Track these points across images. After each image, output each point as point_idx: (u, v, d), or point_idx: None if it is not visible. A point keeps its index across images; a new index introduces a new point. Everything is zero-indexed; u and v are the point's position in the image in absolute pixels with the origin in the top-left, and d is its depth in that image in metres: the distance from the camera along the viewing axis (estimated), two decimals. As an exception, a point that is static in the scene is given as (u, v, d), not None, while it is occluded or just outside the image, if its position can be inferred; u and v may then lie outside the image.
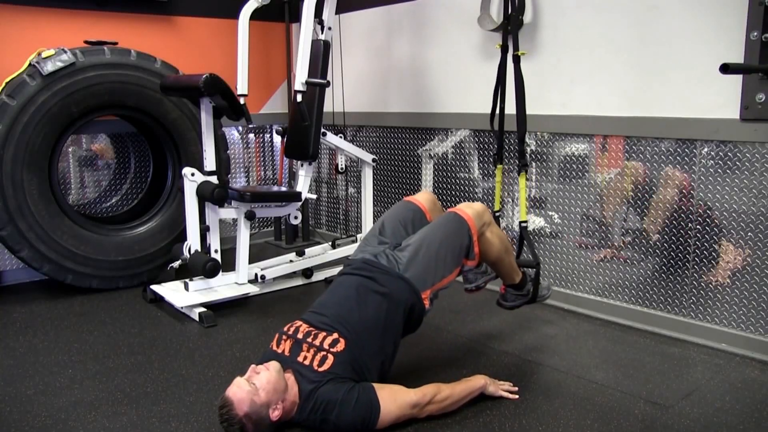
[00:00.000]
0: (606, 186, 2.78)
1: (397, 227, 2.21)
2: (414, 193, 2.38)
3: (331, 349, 1.88)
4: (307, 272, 3.40)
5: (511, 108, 2.54)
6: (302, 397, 1.82)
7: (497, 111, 2.63)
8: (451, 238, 2.08)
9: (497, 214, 2.70)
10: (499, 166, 2.67)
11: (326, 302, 2.06)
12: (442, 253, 2.06)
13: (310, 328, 1.96)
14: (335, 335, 1.91)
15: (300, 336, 1.94)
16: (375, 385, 1.86)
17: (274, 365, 1.83)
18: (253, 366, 1.85)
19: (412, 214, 2.25)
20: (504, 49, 2.58)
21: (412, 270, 2.04)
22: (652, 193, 2.63)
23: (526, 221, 2.50)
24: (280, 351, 1.94)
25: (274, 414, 1.77)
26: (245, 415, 1.72)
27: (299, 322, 2.01)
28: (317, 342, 1.90)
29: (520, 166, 2.48)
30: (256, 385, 1.76)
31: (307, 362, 1.87)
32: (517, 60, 2.47)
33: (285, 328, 2.01)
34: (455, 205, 2.17)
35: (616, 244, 2.78)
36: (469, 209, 2.12)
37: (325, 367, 1.84)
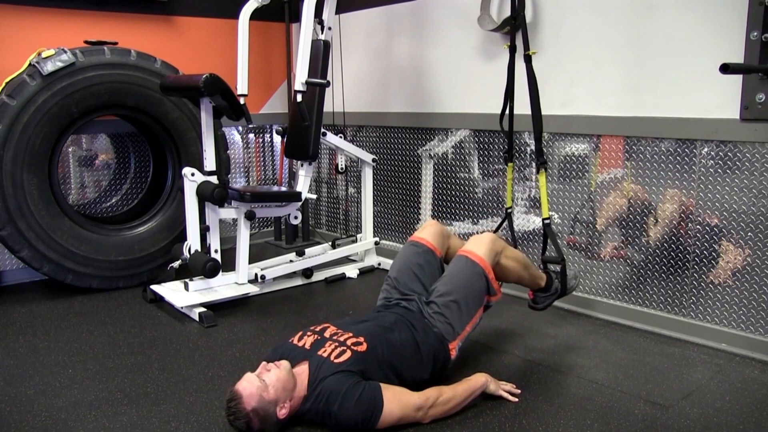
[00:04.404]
0: (606, 186, 2.78)
1: (411, 278, 2.24)
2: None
3: (352, 347, 1.91)
4: (307, 272, 3.40)
5: (521, 108, 2.55)
6: (311, 387, 1.84)
7: (507, 111, 2.64)
8: (469, 285, 2.13)
9: (509, 210, 2.72)
10: (510, 164, 2.68)
11: (361, 318, 2.13)
12: (463, 304, 2.12)
13: (339, 330, 2.01)
14: (360, 339, 1.95)
15: (326, 335, 1.99)
16: (381, 384, 1.87)
17: (284, 365, 1.84)
18: (264, 363, 1.87)
19: (423, 258, 2.27)
20: (512, 50, 2.57)
21: (440, 325, 2.09)
22: (653, 194, 2.63)
23: (549, 218, 2.50)
24: (300, 344, 1.97)
25: (281, 412, 1.79)
26: (252, 410, 1.74)
27: (329, 324, 2.07)
28: (341, 339, 1.95)
29: (538, 165, 2.48)
30: (266, 382, 1.78)
31: (325, 355, 1.89)
32: (528, 59, 2.47)
33: (312, 327, 2.06)
34: (465, 243, 2.22)
35: (616, 244, 2.78)
36: (479, 248, 2.16)
37: (342, 359, 1.87)
